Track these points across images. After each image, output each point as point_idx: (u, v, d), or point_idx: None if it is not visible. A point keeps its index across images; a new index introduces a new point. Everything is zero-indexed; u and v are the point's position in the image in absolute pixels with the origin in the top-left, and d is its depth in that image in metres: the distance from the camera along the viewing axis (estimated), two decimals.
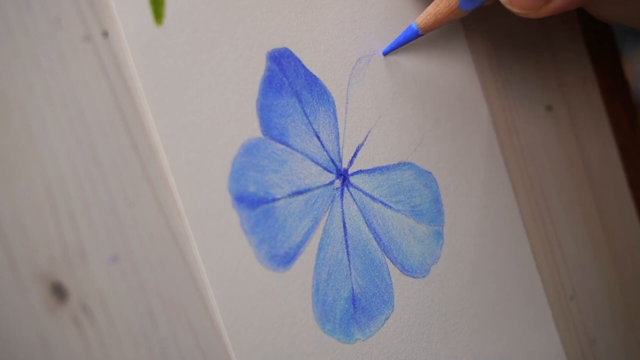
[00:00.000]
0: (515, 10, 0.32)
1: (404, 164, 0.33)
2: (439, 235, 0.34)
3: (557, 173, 0.40)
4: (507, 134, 0.38)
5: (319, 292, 0.29)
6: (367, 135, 0.32)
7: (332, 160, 0.30)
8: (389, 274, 0.31)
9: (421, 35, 0.33)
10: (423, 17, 0.32)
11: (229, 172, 0.27)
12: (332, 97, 0.31)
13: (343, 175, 0.31)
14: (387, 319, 0.31)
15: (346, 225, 0.30)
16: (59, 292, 0.23)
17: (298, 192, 0.29)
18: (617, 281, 0.42)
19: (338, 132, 0.31)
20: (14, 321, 0.22)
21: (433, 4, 0.32)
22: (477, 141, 0.36)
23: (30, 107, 0.23)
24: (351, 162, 0.31)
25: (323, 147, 0.30)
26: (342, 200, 0.30)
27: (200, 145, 0.26)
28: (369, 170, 0.32)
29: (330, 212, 0.30)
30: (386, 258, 0.31)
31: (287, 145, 0.29)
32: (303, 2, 0.30)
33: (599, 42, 0.43)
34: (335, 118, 0.31)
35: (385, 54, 0.33)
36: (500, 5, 0.32)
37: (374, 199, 0.31)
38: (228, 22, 0.27)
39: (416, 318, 0.32)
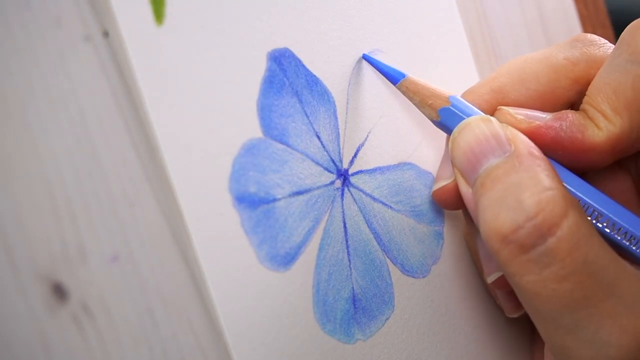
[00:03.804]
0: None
1: (405, 164, 0.33)
2: (439, 236, 0.34)
3: None
4: None
5: (319, 292, 0.29)
6: (367, 136, 0.32)
7: (333, 161, 0.30)
8: (389, 274, 0.31)
9: (395, 85, 0.32)
10: (413, 82, 0.31)
11: (230, 172, 0.27)
12: (332, 97, 0.31)
13: (343, 176, 0.31)
14: (387, 319, 0.31)
15: (347, 225, 0.30)
16: (59, 292, 0.23)
17: (298, 192, 0.29)
18: None
19: (338, 132, 0.31)
20: (14, 321, 0.22)
21: (427, 86, 0.31)
22: None
23: (30, 107, 0.23)
24: (352, 162, 0.31)
25: (323, 147, 0.30)
26: (342, 200, 0.30)
27: (201, 145, 0.26)
28: (369, 170, 0.32)
29: (330, 212, 0.30)
30: (386, 258, 0.31)
31: (287, 145, 0.29)
32: (303, 2, 0.30)
33: None
34: (336, 118, 0.31)
35: (365, 58, 0.32)
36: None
37: (374, 199, 0.31)
38: (228, 22, 0.27)
39: (416, 318, 0.32)
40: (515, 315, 0.33)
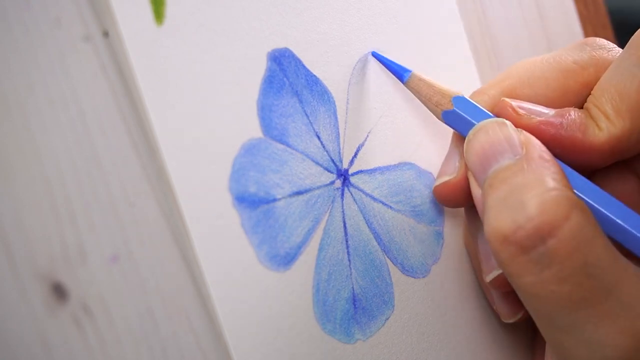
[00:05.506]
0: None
1: (405, 164, 0.33)
2: (439, 236, 0.34)
3: None
4: None
5: (319, 292, 0.29)
6: (367, 136, 0.32)
7: (333, 161, 0.30)
8: (389, 274, 0.31)
9: (403, 83, 0.32)
10: (419, 78, 0.31)
11: (230, 172, 0.27)
12: (332, 97, 0.31)
13: (343, 176, 0.31)
14: (387, 319, 0.31)
15: (346, 225, 0.30)
16: (59, 292, 0.23)
17: (298, 192, 0.29)
18: None
19: (338, 132, 0.31)
20: (14, 321, 0.22)
21: (433, 84, 0.31)
22: None
23: (30, 107, 0.23)
24: (351, 162, 0.31)
25: (323, 147, 0.30)
26: (342, 200, 0.30)
27: (201, 145, 0.26)
28: (369, 170, 0.32)
29: (330, 212, 0.30)
30: (386, 258, 0.31)
31: (287, 145, 0.29)
32: (303, 2, 0.30)
33: None
34: (336, 118, 0.31)
35: (374, 55, 0.32)
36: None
37: (374, 199, 0.31)
38: (228, 22, 0.27)
39: (416, 318, 0.32)
40: (511, 321, 0.33)
